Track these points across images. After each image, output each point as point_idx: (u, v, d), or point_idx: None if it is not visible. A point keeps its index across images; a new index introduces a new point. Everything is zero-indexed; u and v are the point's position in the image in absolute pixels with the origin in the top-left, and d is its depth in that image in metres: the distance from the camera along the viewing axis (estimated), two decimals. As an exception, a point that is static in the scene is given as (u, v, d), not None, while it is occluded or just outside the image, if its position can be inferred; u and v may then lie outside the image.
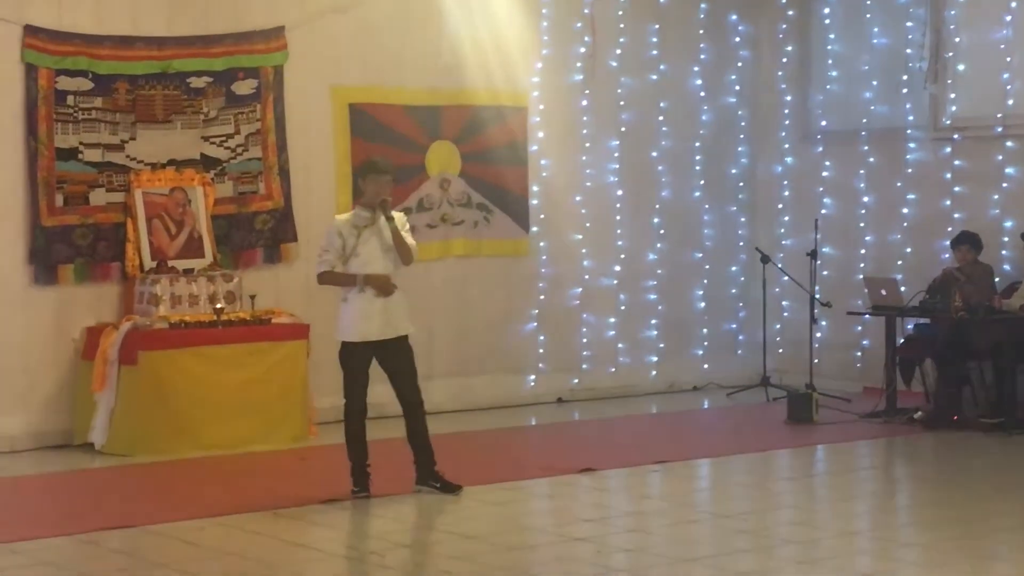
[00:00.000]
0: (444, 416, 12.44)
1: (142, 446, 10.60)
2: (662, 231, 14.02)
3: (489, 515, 8.80)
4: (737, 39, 14.49)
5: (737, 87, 14.50)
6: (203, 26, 11.57)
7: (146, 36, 11.32)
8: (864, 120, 13.70)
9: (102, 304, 11.20)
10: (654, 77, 13.96)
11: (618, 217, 13.81)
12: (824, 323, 13.46)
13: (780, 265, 13.86)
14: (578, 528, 8.51)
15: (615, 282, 13.79)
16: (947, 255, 12.56)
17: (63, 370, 11.07)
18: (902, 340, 12.56)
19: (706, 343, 14.38)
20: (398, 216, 9.14)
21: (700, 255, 14.33)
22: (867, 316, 13.05)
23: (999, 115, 12.71)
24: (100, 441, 10.71)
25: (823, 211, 13.85)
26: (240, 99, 11.73)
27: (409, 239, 9.16)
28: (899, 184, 13.43)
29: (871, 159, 13.68)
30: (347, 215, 9.26)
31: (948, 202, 13.07)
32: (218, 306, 11.02)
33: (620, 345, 13.83)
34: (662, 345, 14.09)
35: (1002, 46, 12.68)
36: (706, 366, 14.31)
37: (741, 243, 14.52)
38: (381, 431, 11.49)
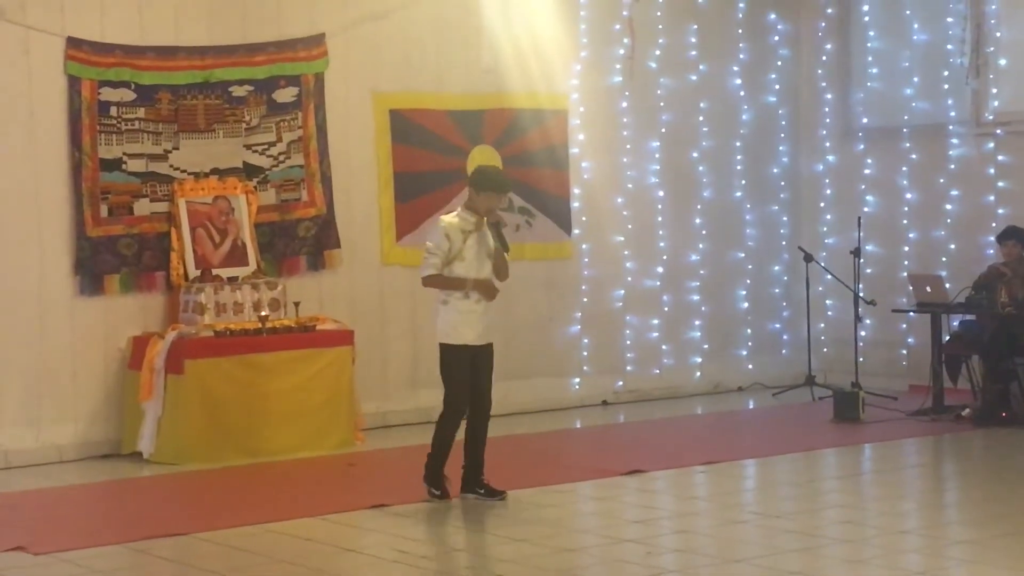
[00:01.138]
0: (490, 420, 12.44)
1: (190, 454, 10.64)
2: (704, 231, 13.98)
3: (538, 518, 8.79)
4: (776, 38, 14.44)
5: (777, 86, 14.45)
6: (244, 35, 11.62)
7: (188, 46, 11.37)
8: (905, 117, 13.64)
9: (147, 313, 11.25)
10: (694, 77, 13.93)
11: (660, 218, 13.78)
12: (869, 321, 13.41)
13: (823, 264, 13.79)
14: (627, 530, 8.49)
15: (658, 283, 13.76)
16: (992, 251, 12.50)
17: (110, 380, 11.12)
18: (948, 337, 12.48)
19: (750, 343, 14.33)
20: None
21: (743, 255, 14.28)
22: (912, 313, 12.99)
23: (1042, 109, 12.65)
24: (148, 450, 10.75)
25: (865, 209, 13.79)
26: (281, 107, 11.77)
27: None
28: (942, 180, 13.36)
29: (913, 156, 13.61)
30: (453, 217, 9.14)
31: (992, 197, 12.99)
32: (263, 314, 11.05)
33: (664, 347, 13.79)
34: (706, 346, 14.05)
35: (1044, 40, 12.62)
36: (751, 366, 14.27)
37: (784, 242, 14.47)
38: (424, 436, 11.53)
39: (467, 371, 9.11)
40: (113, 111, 11.10)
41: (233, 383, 10.83)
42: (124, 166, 11.15)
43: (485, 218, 9.06)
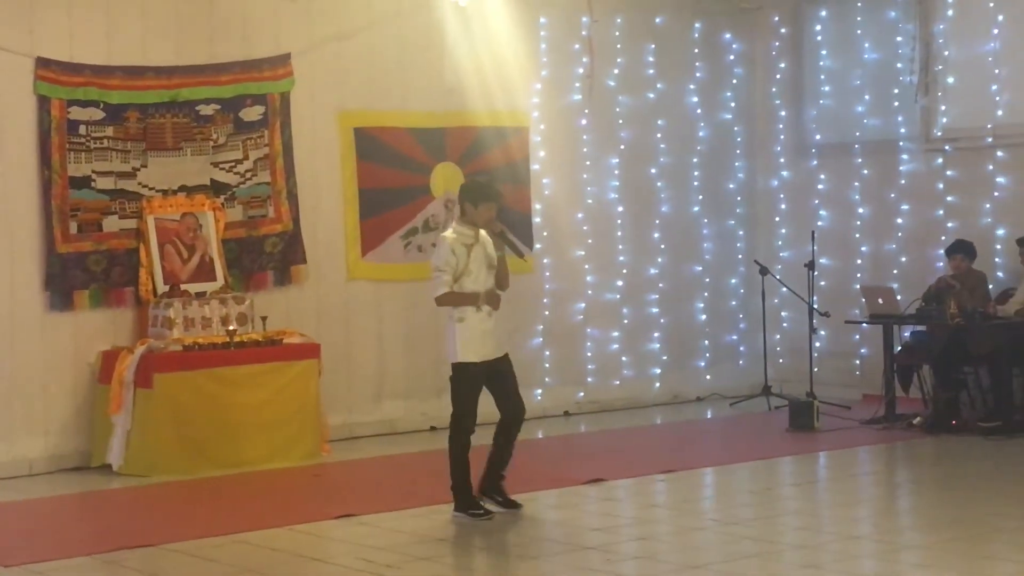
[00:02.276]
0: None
1: (159, 466, 10.61)
2: (663, 246, 14.04)
3: (501, 526, 8.79)
4: (731, 57, 14.53)
5: (733, 104, 14.53)
6: (211, 55, 11.61)
7: (155, 66, 11.35)
8: (857, 133, 13.73)
9: (117, 328, 11.22)
10: (651, 96, 14.00)
11: (619, 233, 13.83)
12: (823, 332, 13.48)
13: (779, 276, 13.87)
14: (588, 537, 8.50)
15: (618, 296, 13.81)
16: (941, 263, 12.59)
17: (80, 394, 11.08)
18: (900, 348, 12.58)
19: (708, 354, 14.39)
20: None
21: (700, 268, 14.35)
22: (865, 325, 13.08)
23: (989, 126, 12.75)
24: (117, 462, 10.72)
25: (819, 223, 13.88)
26: (248, 125, 11.77)
27: None
28: (893, 195, 13.46)
29: (865, 171, 13.71)
30: (451, 233, 8.91)
31: (941, 211, 13.09)
32: (230, 328, 11.04)
33: (624, 358, 13.84)
34: (665, 357, 14.10)
35: (990, 59, 12.72)
36: (709, 377, 14.33)
37: (740, 256, 14.54)
38: (389, 447, 11.57)
39: (479, 389, 8.90)
40: (82, 130, 11.07)
41: (201, 396, 10.80)
42: (93, 184, 11.12)
43: (483, 230, 8.87)
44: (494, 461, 9.08)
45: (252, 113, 11.79)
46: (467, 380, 8.88)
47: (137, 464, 10.65)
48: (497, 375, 8.94)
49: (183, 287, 11.20)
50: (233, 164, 11.72)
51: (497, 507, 9.01)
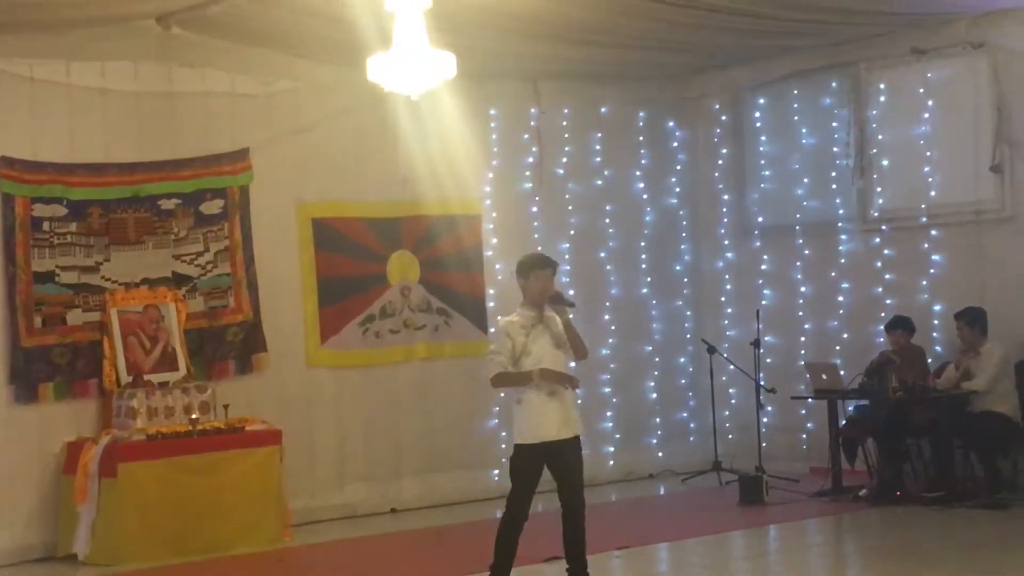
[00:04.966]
0: (413, 513, 12.42)
1: (124, 555, 10.50)
2: (613, 327, 14.10)
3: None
4: (675, 144, 14.69)
5: (678, 189, 14.67)
6: (172, 151, 11.64)
7: (117, 163, 11.37)
8: (798, 215, 13.87)
9: (81, 419, 11.14)
10: (599, 182, 14.13)
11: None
12: (770, 408, 13.52)
13: (726, 355, 13.94)
14: (546, 616, 8.46)
15: (571, 377, 13.80)
16: (881, 339, 12.68)
17: (46, 485, 10.96)
18: (844, 421, 12.63)
19: (659, 432, 14.41)
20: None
21: (650, 348, 14.41)
22: (810, 400, 13.15)
23: (923, 206, 12.89)
24: (83, 552, 10.60)
25: (764, 302, 13.98)
26: (208, 218, 11.79)
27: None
28: (833, 274, 13.58)
29: (806, 251, 13.83)
30: (513, 317, 8.41)
31: (880, 289, 13.20)
32: (193, 416, 10.98)
33: (578, 437, 13.81)
34: (618, 435, 14.11)
35: (922, 141, 12.89)
36: (660, 454, 14.34)
37: (688, 335, 14.61)
38: (351, 531, 11.45)
39: (535, 473, 8.37)
40: (46, 226, 11.06)
41: (165, 484, 10.72)
42: (57, 278, 11.09)
43: (544, 303, 8.34)
44: (569, 564, 8.64)
45: (212, 207, 11.81)
46: (521, 461, 8.38)
47: (103, 553, 10.54)
48: (559, 458, 8.38)
49: (146, 378, 11.15)
50: (194, 256, 11.72)
51: None
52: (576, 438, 8.41)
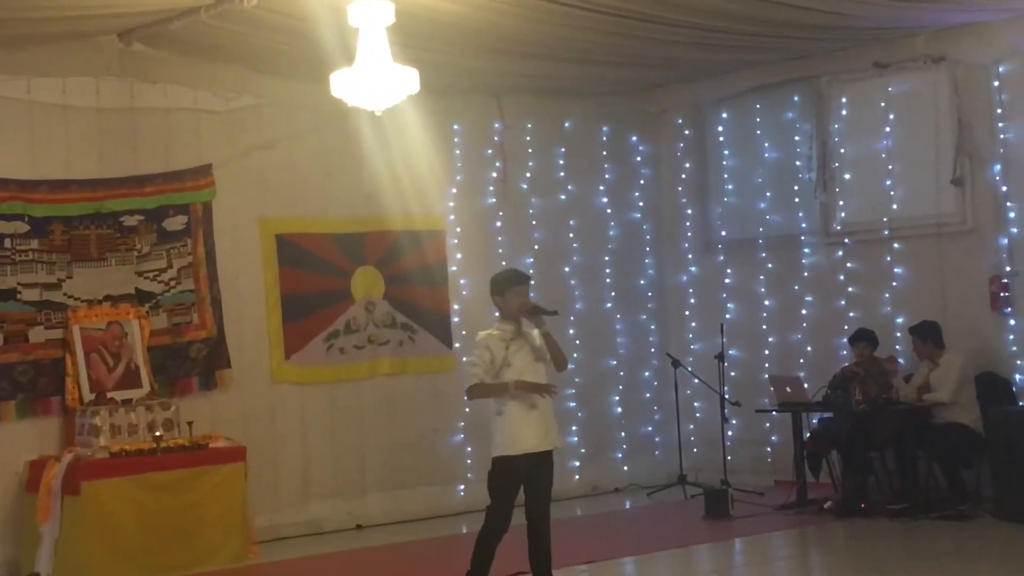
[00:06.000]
0: (379, 529, 12.36)
1: (87, 574, 10.38)
2: (578, 341, 14.07)
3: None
4: (639, 159, 14.70)
5: (641, 203, 14.69)
6: (134, 167, 11.57)
7: (79, 179, 11.28)
8: (761, 229, 13.90)
9: (44, 437, 11.03)
10: (563, 197, 14.13)
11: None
12: (735, 421, 13.53)
13: (690, 369, 13.94)
14: (513, 631, 8.42)
15: (536, 392, 13.77)
16: (845, 352, 12.70)
17: (8, 503, 10.86)
18: (808, 434, 12.64)
19: (625, 446, 14.39)
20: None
21: (615, 362, 14.40)
22: (774, 413, 13.16)
23: (885, 219, 12.94)
24: (46, 571, 10.47)
25: (727, 316, 13.99)
26: (171, 235, 11.71)
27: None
28: (797, 287, 13.61)
29: (769, 265, 13.86)
30: (492, 331, 8.41)
31: (843, 302, 13.24)
32: (157, 434, 10.89)
33: (543, 452, 13.77)
34: (583, 450, 14.09)
35: (883, 155, 12.95)
36: (626, 468, 14.32)
37: (653, 349, 14.61)
38: (316, 547, 11.37)
39: (515, 485, 8.37)
40: (7, 243, 10.95)
41: (129, 502, 10.62)
42: (19, 296, 10.98)
43: (523, 317, 8.37)
44: (535, 571, 8.63)
45: (175, 223, 11.74)
46: (501, 474, 8.38)
47: (66, 572, 10.42)
48: (533, 470, 8.39)
49: (109, 395, 11.05)
50: (157, 273, 11.63)
51: None
52: (550, 453, 8.46)
